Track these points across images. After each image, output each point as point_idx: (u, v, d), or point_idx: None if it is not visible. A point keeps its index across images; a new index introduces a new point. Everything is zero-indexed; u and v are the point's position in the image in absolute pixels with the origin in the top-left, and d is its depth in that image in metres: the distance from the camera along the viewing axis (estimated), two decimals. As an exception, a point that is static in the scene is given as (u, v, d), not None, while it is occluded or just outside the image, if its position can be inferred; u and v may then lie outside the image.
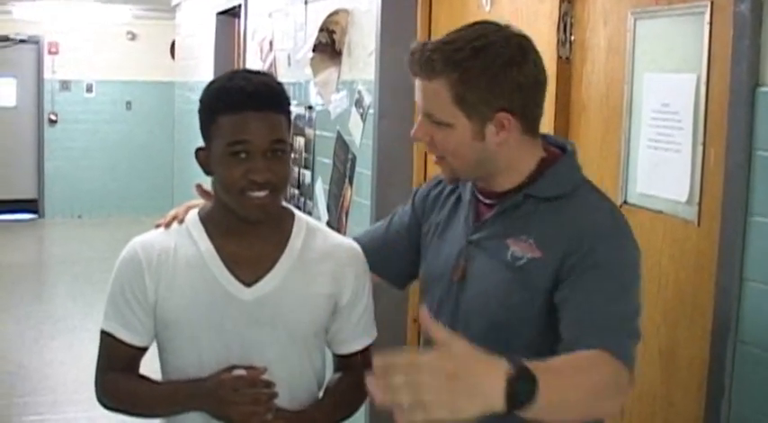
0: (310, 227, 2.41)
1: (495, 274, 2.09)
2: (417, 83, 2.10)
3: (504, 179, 2.13)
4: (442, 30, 3.91)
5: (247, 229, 2.30)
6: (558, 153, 2.16)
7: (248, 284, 2.30)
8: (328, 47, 4.71)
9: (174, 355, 2.35)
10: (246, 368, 2.24)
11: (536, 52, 2.09)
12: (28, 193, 14.28)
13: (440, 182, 2.37)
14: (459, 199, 2.28)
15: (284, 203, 2.42)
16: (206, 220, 2.37)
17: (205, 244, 2.33)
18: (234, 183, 2.22)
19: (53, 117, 14.03)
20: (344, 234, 4.56)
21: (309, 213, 5.14)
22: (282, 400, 2.28)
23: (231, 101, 2.22)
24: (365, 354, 2.46)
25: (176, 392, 2.32)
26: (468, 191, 2.23)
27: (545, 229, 2.05)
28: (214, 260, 2.31)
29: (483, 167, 2.11)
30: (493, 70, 2.02)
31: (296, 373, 2.34)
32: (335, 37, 4.64)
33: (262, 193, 2.22)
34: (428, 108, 2.09)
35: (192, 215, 2.39)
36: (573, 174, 2.14)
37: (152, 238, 2.37)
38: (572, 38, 2.99)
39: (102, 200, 14.08)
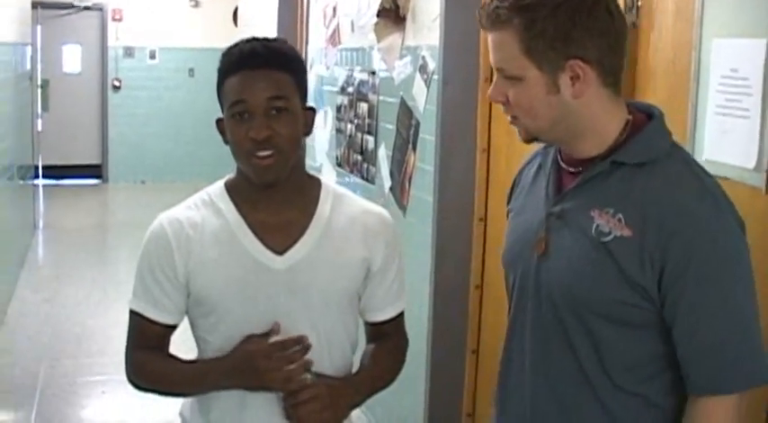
0: (337, 193, 2.40)
1: (577, 250, 1.99)
2: (488, 38, 2.03)
3: (588, 143, 2.02)
4: (507, -5, 3.90)
5: (273, 196, 2.29)
6: (645, 118, 2.04)
7: (280, 253, 2.28)
8: (392, 12, 4.70)
9: (209, 332, 2.33)
10: (265, 335, 2.23)
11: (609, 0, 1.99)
12: (92, 158, 14.48)
13: (530, 160, 2.29)
14: (540, 168, 2.20)
15: (311, 172, 2.41)
16: (231, 190, 2.35)
17: (233, 215, 2.31)
18: (239, 145, 2.22)
19: (117, 83, 14.19)
20: (407, 200, 4.59)
21: (372, 179, 5.17)
22: (319, 367, 2.28)
23: (231, 63, 2.24)
24: (397, 320, 2.48)
25: (208, 371, 2.30)
26: (550, 159, 2.14)
27: (635, 202, 1.93)
28: (243, 231, 2.29)
29: (561, 126, 2.00)
30: (560, 15, 1.92)
31: (331, 341, 2.33)
32: (400, 2, 4.63)
33: (265, 153, 2.19)
34: (498, 62, 2.02)
35: (218, 187, 2.38)
36: (664, 139, 2.01)
37: (179, 214, 2.34)
38: (639, 3, 2.97)
39: (164, 165, 14.24)
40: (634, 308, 1.93)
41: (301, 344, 2.23)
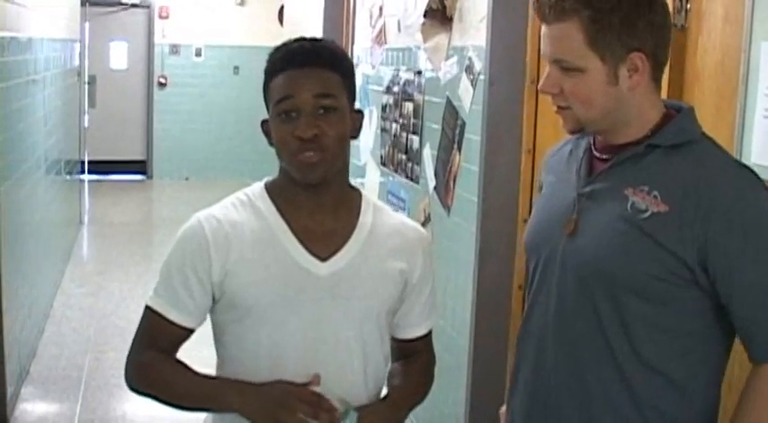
0: (376, 205, 2.37)
1: (610, 227, 2.01)
2: (545, 30, 2.04)
3: (628, 130, 2.06)
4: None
5: (316, 200, 2.24)
6: (675, 112, 2.10)
7: (323, 259, 2.23)
8: (439, 12, 4.71)
9: (239, 337, 2.25)
10: (306, 385, 2.12)
11: None
12: (137, 154, 14.61)
13: (560, 147, 2.32)
14: (570, 154, 2.23)
15: (351, 183, 2.37)
16: (272, 192, 2.29)
17: (274, 217, 2.25)
18: (285, 143, 2.17)
19: (162, 80, 14.31)
20: (452, 200, 4.60)
21: (416, 179, 5.18)
22: (356, 377, 2.25)
23: (278, 61, 2.21)
24: (429, 337, 2.45)
25: (225, 391, 2.17)
26: (583, 147, 2.18)
27: (670, 180, 1.97)
28: (286, 235, 2.23)
29: (612, 116, 2.05)
30: (625, 8, 1.97)
31: (369, 351, 2.28)
32: (447, 2, 4.64)
33: (310, 153, 2.15)
34: (558, 53, 2.02)
35: (258, 188, 2.32)
36: (695, 125, 2.08)
37: (217, 212, 2.26)
38: (688, 6, 2.96)
39: (208, 162, 14.34)
40: (663, 282, 1.96)
41: (330, 412, 2.09)
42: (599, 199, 2.07)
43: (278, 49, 2.25)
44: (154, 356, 2.25)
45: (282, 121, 2.17)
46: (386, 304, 2.30)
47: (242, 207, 2.28)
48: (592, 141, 2.16)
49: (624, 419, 2.05)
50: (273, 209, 2.26)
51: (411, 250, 2.33)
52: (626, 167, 2.05)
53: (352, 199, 2.33)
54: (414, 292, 2.36)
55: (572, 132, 2.14)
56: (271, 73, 2.22)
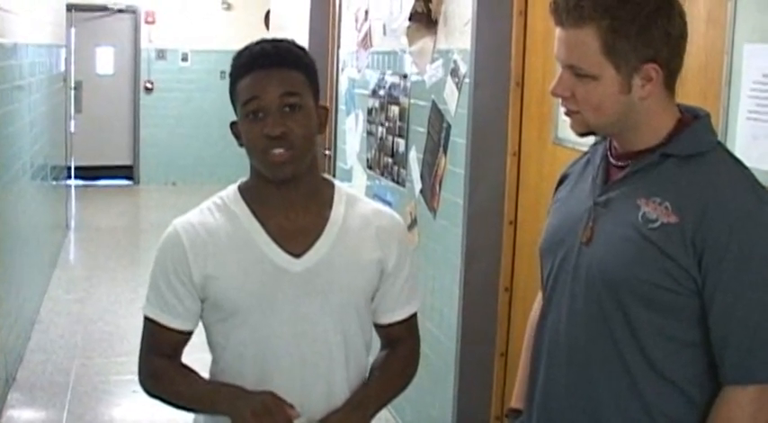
0: (350, 195, 2.41)
1: (621, 236, 2.01)
2: (560, 34, 2.02)
3: (641, 137, 2.05)
4: (539, 1, 3.91)
5: (288, 197, 2.29)
6: (692, 119, 2.07)
7: (297, 256, 2.29)
8: (424, 16, 4.72)
9: (225, 337, 2.32)
10: (286, 404, 2.20)
11: (680, 4, 2.02)
12: (124, 159, 14.57)
13: (581, 157, 2.31)
14: (588, 163, 2.23)
15: (324, 175, 2.42)
16: (245, 193, 2.35)
17: (248, 219, 2.31)
18: (254, 143, 2.22)
19: (149, 85, 14.29)
20: (438, 203, 4.61)
21: (403, 182, 5.19)
22: (337, 367, 2.31)
23: (242, 65, 2.26)
24: (409, 323, 2.47)
25: (218, 400, 2.27)
26: (599, 155, 2.17)
27: (681, 191, 1.96)
28: (261, 235, 2.29)
29: (621, 122, 2.04)
30: (642, 18, 1.95)
31: (348, 342, 2.34)
32: (431, 6, 4.65)
33: (279, 150, 2.20)
34: (572, 60, 2.01)
35: (232, 191, 2.38)
36: (710, 135, 2.05)
37: (193, 219, 2.33)
38: (671, 8, 2.97)
39: (195, 167, 14.31)
40: (669, 292, 1.95)
41: None
42: (613, 208, 2.07)
43: (241, 52, 2.30)
44: (160, 365, 2.35)
45: (251, 121, 2.23)
46: (363, 295, 2.36)
47: (218, 212, 2.34)
48: (608, 147, 2.16)
49: None
50: (247, 211, 2.32)
51: (385, 238, 2.37)
52: (641, 177, 2.04)
53: (323, 193, 2.37)
54: (389, 278, 2.39)
55: (580, 135, 2.14)
56: (236, 76, 2.28)
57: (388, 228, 2.39)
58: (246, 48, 2.30)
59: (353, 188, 5.85)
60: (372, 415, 2.36)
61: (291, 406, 2.21)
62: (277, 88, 2.21)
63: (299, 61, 2.27)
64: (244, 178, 2.39)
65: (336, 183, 2.44)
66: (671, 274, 1.95)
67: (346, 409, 2.31)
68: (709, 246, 1.91)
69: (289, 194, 2.29)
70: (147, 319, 2.36)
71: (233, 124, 2.32)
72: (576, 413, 2.12)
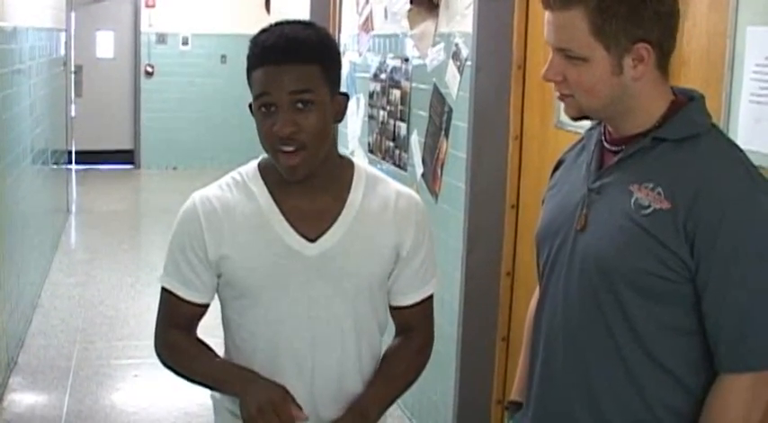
0: (369, 176, 2.38)
1: (614, 224, 2.00)
2: (549, 17, 2.01)
3: (634, 120, 2.03)
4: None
5: (306, 183, 2.27)
6: (686, 101, 2.06)
7: (312, 240, 2.28)
8: None
9: (239, 314, 2.34)
10: (292, 401, 2.21)
11: None
12: (124, 143, 14.55)
13: (576, 142, 2.30)
14: (583, 148, 2.21)
15: (343, 153, 2.39)
16: (265, 172, 2.34)
17: (265, 199, 2.30)
18: (266, 138, 2.21)
19: (149, 69, 14.25)
20: (439, 187, 4.60)
21: (404, 166, 5.18)
22: (349, 350, 2.32)
23: (254, 56, 2.22)
24: (424, 306, 2.45)
25: (231, 380, 2.30)
26: (594, 139, 2.16)
27: (674, 176, 1.95)
28: (276, 216, 2.29)
29: (615, 105, 2.02)
30: None
31: (362, 326, 2.34)
32: (433, -10, 4.64)
33: (288, 149, 2.18)
34: (562, 42, 1.99)
35: (252, 168, 2.36)
36: (704, 117, 2.04)
37: (211, 194, 2.33)
38: (674, -9, 2.96)
39: (196, 151, 14.29)
40: (662, 279, 1.95)
41: None
42: (606, 194, 2.06)
43: (257, 37, 2.25)
44: (177, 338, 2.38)
45: (263, 114, 2.21)
46: (377, 279, 2.35)
47: (236, 188, 2.33)
48: (602, 132, 2.14)
49: (632, 414, 2.04)
50: (265, 191, 2.31)
51: (403, 220, 2.36)
52: (633, 162, 2.03)
53: (343, 174, 2.35)
54: (404, 262, 2.37)
55: (574, 119, 2.13)
56: (250, 65, 2.24)
57: (405, 211, 2.37)
58: (263, 32, 2.25)
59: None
60: (380, 414, 2.36)
61: (299, 407, 2.21)
62: (288, 85, 2.17)
63: (314, 53, 2.21)
64: (265, 155, 2.34)
65: (357, 162, 2.41)
66: (664, 261, 1.93)
67: (354, 414, 2.30)
68: (700, 231, 1.90)
69: (306, 180, 2.27)
70: (164, 290, 2.37)
71: (252, 105, 2.27)
72: (573, 401, 2.11)
